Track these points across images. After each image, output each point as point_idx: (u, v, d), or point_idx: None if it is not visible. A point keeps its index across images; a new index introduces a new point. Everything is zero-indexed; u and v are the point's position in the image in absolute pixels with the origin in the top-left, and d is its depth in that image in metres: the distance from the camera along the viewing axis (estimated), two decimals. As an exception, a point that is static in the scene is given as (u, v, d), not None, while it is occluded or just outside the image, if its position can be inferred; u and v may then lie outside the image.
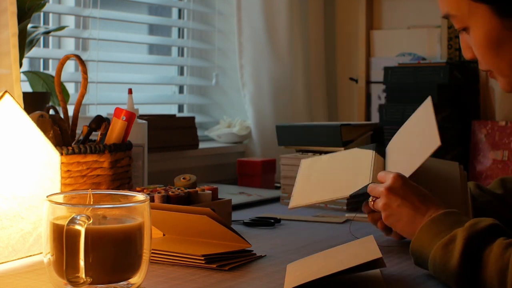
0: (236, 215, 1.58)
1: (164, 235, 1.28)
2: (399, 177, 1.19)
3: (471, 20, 1.09)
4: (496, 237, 1.02)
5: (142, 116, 1.80)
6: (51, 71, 1.92)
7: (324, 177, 1.42)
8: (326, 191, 1.35)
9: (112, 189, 1.42)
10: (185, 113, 2.47)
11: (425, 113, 1.36)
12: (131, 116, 1.46)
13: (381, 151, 1.41)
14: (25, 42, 1.56)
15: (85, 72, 1.46)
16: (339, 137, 1.74)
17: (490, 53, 1.09)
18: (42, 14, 1.97)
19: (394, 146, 1.44)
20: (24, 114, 1.18)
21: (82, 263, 0.91)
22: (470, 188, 1.37)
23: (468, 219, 1.08)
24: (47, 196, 0.99)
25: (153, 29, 2.44)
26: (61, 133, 1.41)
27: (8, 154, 1.15)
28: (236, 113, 2.45)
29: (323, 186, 1.38)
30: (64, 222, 0.92)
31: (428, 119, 1.32)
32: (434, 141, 1.25)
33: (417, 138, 1.36)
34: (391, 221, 1.19)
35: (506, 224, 1.08)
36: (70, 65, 2.08)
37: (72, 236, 0.91)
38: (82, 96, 1.48)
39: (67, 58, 1.48)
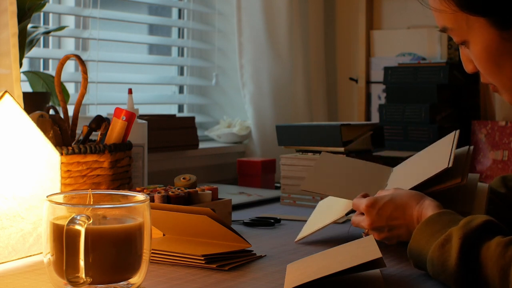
0: (236, 215, 1.58)
1: (164, 235, 1.28)
2: (370, 208, 1.21)
3: (470, 33, 1.08)
4: (492, 233, 1.02)
5: (142, 116, 1.80)
6: (51, 71, 1.92)
7: (328, 205, 1.46)
8: (326, 217, 1.39)
9: (112, 189, 1.42)
10: (185, 113, 2.47)
11: (445, 142, 1.39)
12: (131, 116, 1.46)
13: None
14: (25, 42, 1.56)
15: (85, 72, 1.46)
16: (339, 137, 1.74)
17: (491, 66, 1.08)
18: (42, 14, 1.97)
19: (403, 166, 1.47)
20: (24, 114, 1.18)
21: (82, 263, 0.91)
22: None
23: (462, 217, 1.08)
24: (47, 196, 0.99)
25: (153, 29, 2.44)
26: (61, 133, 1.41)
27: (8, 154, 1.15)
28: (236, 113, 2.45)
29: (326, 213, 1.42)
30: (64, 222, 0.92)
31: (445, 145, 1.35)
32: (443, 162, 1.27)
33: (428, 160, 1.39)
34: (394, 242, 1.23)
35: (506, 223, 1.08)
36: (70, 65, 2.08)
37: (72, 236, 0.91)
38: (82, 96, 1.48)
39: (67, 58, 1.48)
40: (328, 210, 1.43)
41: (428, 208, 1.15)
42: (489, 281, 0.98)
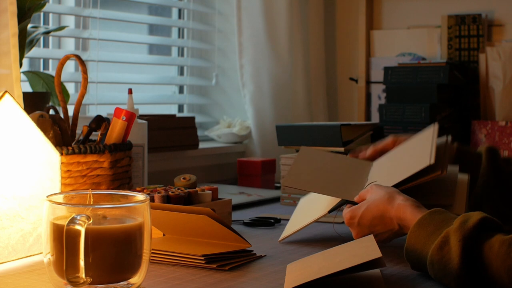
0: (236, 215, 1.58)
1: (164, 235, 1.28)
2: (350, 220, 1.24)
3: None
4: (490, 230, 1.01)
5: (142, 116, 1.80)
6: (51, 71, 1.92)
7: (310, 202, 1.46)
8: (309, 215, 1.39)
9: (112, 189, 1.42)
10: (185, 113, 2.47)
11: (425, 136, 1.37)
12: (131, 116, 1.46)
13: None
14: (25, 42, 1.56)
15: (85, 72, 1.46)
16: (339, 137, 1.74)
17: None
18: (42, 14, 1.97)
19: (382, 161, 1.46)
20: (24, 114, 1.18)
21: (82, 263, 0.91)
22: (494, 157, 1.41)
23: (454, 216, 1.08)
24: (47, 196, 0.99)
25: (153, 29, 2.44)
26: (61, 133, 1.41)
27: (8, 154, 1.15)
28: (236, 113, 2.45)
29: (307, 212, 1.42)
30: (64, 222, 0.92)
31: (425, 140, 1.34)
32: (424, 159, 1.26)
33: (409, 155, 1.38)
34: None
35: (502, 205, 1.07)
36: (70, 65, 2.08)
37: (72, 236, 0.91)
38: (82, 96, 1.48)
39: (67, 58, 1.48)
40: (311, 208, 1.43)
41: (405, 208, 1.16)
42: (496, 282, 0.98)
